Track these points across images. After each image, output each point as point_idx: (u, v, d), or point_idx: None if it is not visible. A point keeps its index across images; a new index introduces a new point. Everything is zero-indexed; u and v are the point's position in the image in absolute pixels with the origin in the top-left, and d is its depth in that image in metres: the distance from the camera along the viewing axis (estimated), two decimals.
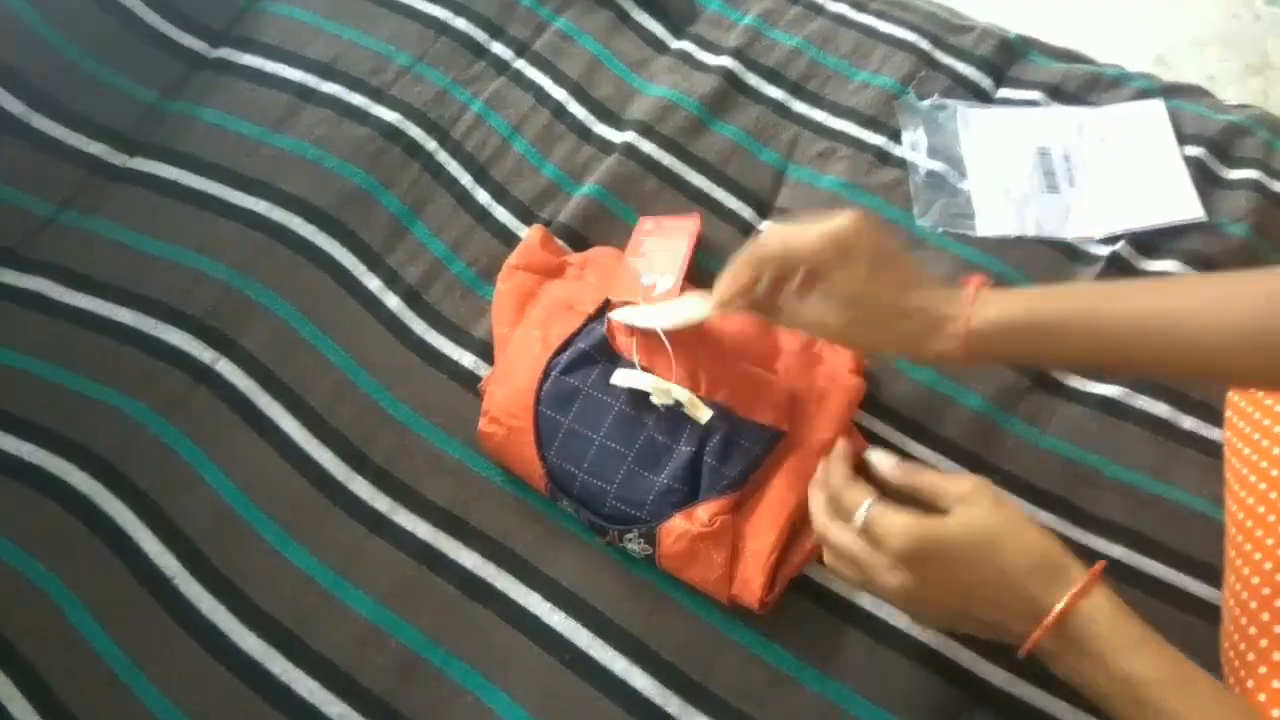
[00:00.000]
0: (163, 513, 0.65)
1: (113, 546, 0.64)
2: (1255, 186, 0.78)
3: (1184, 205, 0.77)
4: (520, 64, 0.87)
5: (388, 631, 0.61)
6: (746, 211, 0.80)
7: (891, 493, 0.53)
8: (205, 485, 0.66)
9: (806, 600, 0.62)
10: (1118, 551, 0.64)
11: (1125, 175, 0.80)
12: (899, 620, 0.61)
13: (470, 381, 0.71)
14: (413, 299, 0.75)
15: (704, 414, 0.63)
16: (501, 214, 0.79)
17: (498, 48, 0.88)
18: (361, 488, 0.66)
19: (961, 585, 0.49)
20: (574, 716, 0.58)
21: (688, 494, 0.62)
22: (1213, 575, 0.63)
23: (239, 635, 0.61)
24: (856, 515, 0.51)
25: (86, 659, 0.60)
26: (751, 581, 0.60)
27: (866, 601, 0.62)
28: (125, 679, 0.60)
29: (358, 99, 0.83)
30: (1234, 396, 0.67)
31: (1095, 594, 0.47)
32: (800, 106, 0.85)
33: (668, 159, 0.81)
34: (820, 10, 0.91)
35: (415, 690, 0.60)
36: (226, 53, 0.86)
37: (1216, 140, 0.80)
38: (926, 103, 0.83)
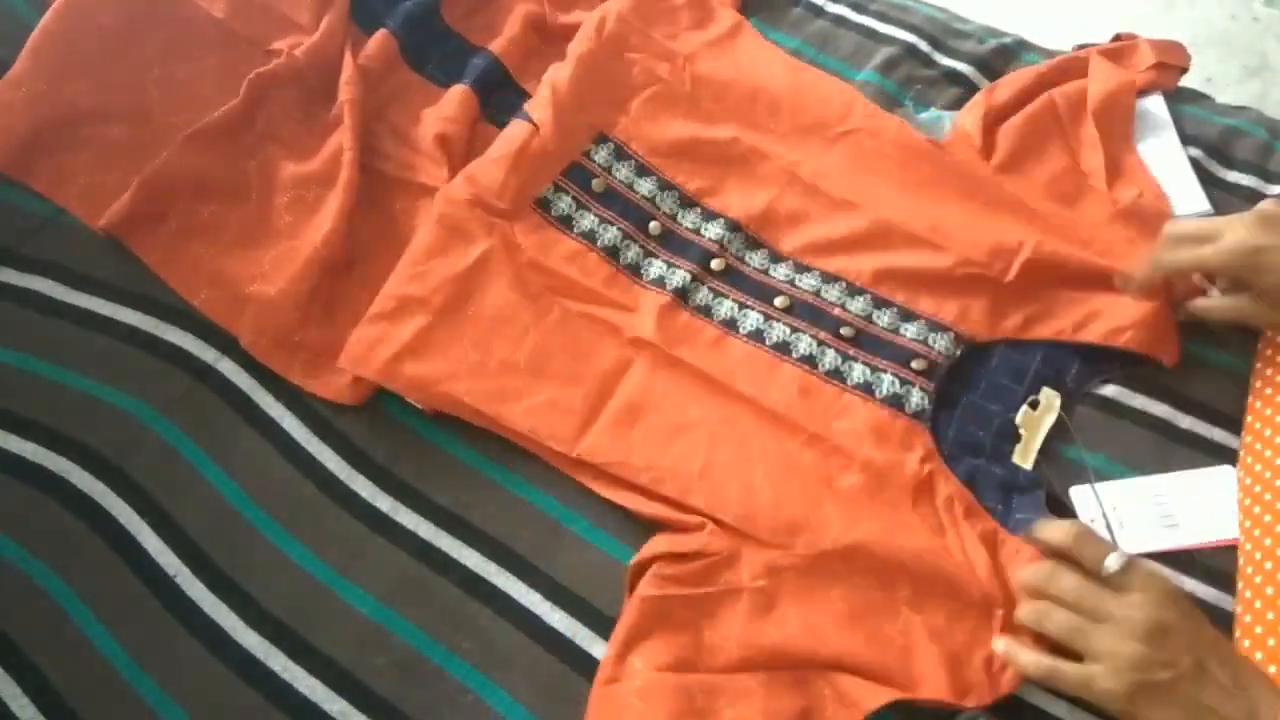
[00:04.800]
0: (164, 511, 0.65)
1: (114, 545, 0.64)
2: (1253, 190, 0.77)
3: (1189, 198, 0.76)
4: None
5: (389, 630, 0.61)
6: None
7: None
8: (206, 484, 0.66)
9: None
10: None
11: None
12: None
13: None
14: None
15: None
16: None
17: None
18: (363, 486, 0.67)
19: (1204, 650, 0.49)
20: (575, 715, 0.58)
21: None
22: (1210, 575, 0.62)
23: (240, 633, 0.61)
24: (1108, 561, 0.53)
25: (88, 657, 0.60)
26: None
27: None
28: (127, 676, 0.60)
29: None
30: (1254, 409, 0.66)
31: None
32: None
33: None
34: (820, 12, 0.91)
35: (416, 688, 0.60)
36: None
37: (1214, 142, 0.80)
38: (924, 115, 0.81)
